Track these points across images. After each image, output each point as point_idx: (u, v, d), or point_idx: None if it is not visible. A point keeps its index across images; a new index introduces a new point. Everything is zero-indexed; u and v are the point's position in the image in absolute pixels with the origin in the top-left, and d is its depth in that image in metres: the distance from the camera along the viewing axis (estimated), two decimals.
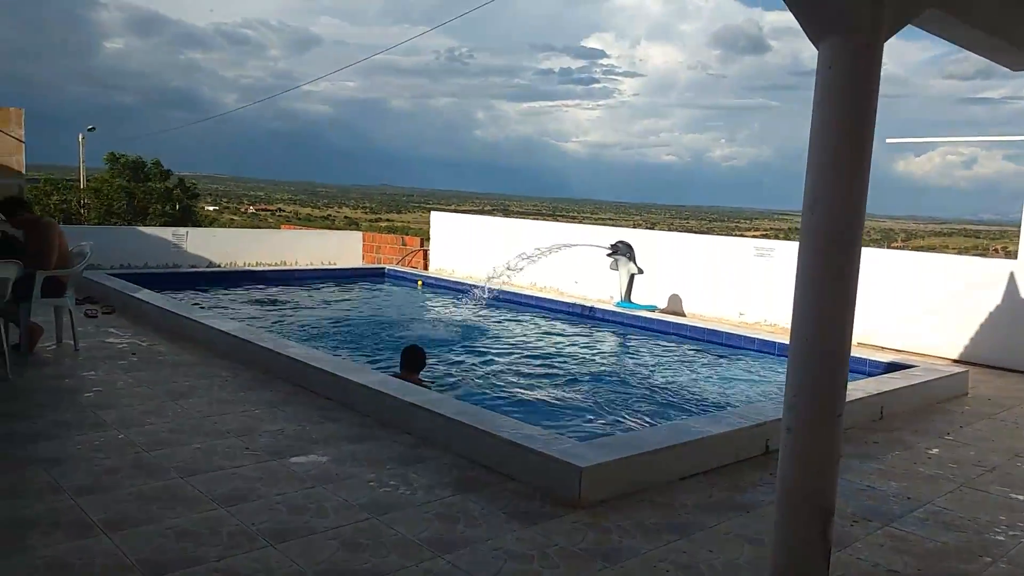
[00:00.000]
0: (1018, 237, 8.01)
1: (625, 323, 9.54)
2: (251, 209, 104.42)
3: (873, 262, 8.53)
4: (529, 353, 8.02)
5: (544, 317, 10.18)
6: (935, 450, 5.20)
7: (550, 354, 8.04)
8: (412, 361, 6.17)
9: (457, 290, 11.62)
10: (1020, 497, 4.40)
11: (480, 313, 10.10)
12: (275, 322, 9.22)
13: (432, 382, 6.44)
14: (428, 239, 15.04)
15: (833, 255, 2.67)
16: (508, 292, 10.82)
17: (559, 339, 8.94)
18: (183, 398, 5.36)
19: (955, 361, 8.05)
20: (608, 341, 9.06)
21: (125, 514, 3.48)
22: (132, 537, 3.26)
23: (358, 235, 15.40)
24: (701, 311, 10.08)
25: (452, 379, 6.76)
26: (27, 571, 2.96)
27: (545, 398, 6.39)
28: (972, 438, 5.53)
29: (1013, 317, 7.91)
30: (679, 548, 3.46)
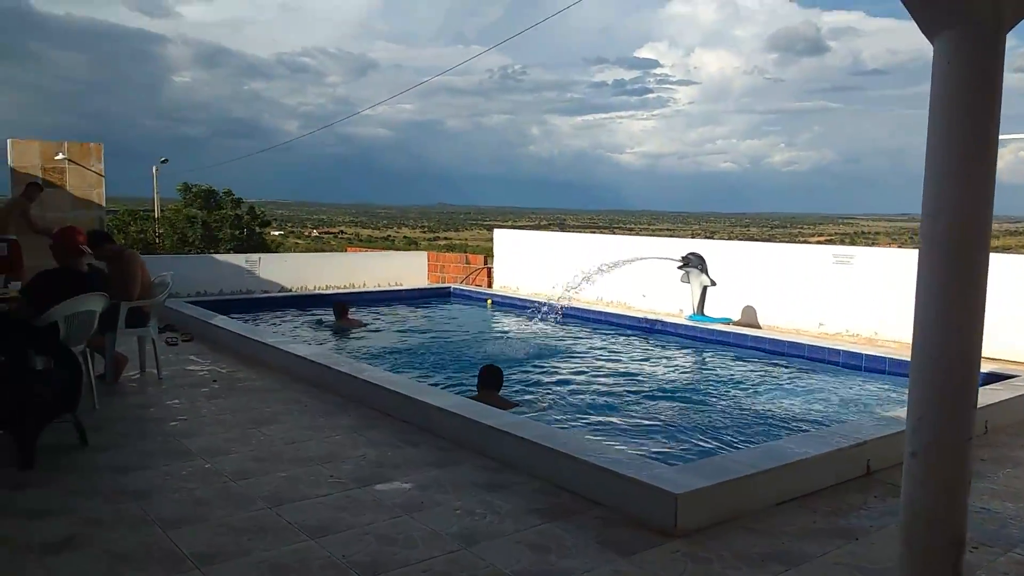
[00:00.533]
0: None
1: (699, 337, 9.29)
2: (314, 232, 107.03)
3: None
4: (603, 370, 7.86)
5: (615, 333, 10.00)
6: None
7: (624, 371, 7.86)
8: (490, 380, 6.09)
9: (525, 307, 11.54)
10: None
11: (550, 330, 9.99)
12: (349, 346, 9.28)
13: (516, 403, 6.35)
14: (491, 256, 15.03)
15: (959, 265, 2.47)
16: (576, 308, 10.68)
17: (632, 355, 8.74)
18: (265, 425, 5.39)
19: None
20: (683, 356, 8.82)
21: (216, 547, 3.46)
22: (224, 572, 3.23)
23: (423, 255, 15.49)
24: (777, 322, 9.75)
25: (528, 398, 6.65)
26: None
27: (623, 417, 6.21)
28: None
29: None
30: None
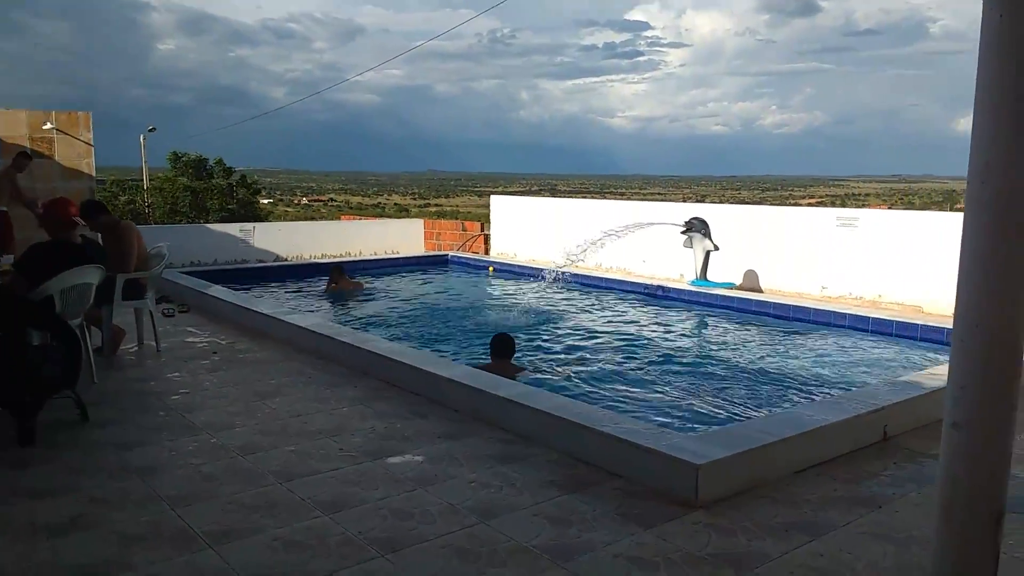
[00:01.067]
0: None
1: (702, 302, 9.21)
2: (304, 200, 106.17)
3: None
4: (610, 337, 7.78)
5: (618, 298, 9.91)
6: None
7: (631, 337, 7.78)
8: (503, 348, 6.01)
9: (526, 274, 11.42)
10: None
11: (554, 297, 9.89)
12: (350, 315, 9.17)
13: (530, 368, 6.29)
14: (487, 223, 14.86)
15: (1006, 230, 2.35)
16: (578, 274, 10.57)
17: (637, 321, 8.66)
18: (269, 398, 5.28)
19: None
20: (688, 322, 8.75)
21: (228, 525, 3.37)
22: (239, 550, 3.14)
23: (419, 223, 15.30)
24: (779, 286, 9.67)
25: (537, 365, 6.56)
26: None
27: (632, 384, 6.14)
28: None
29: None
30: (814, 551, 3.20)
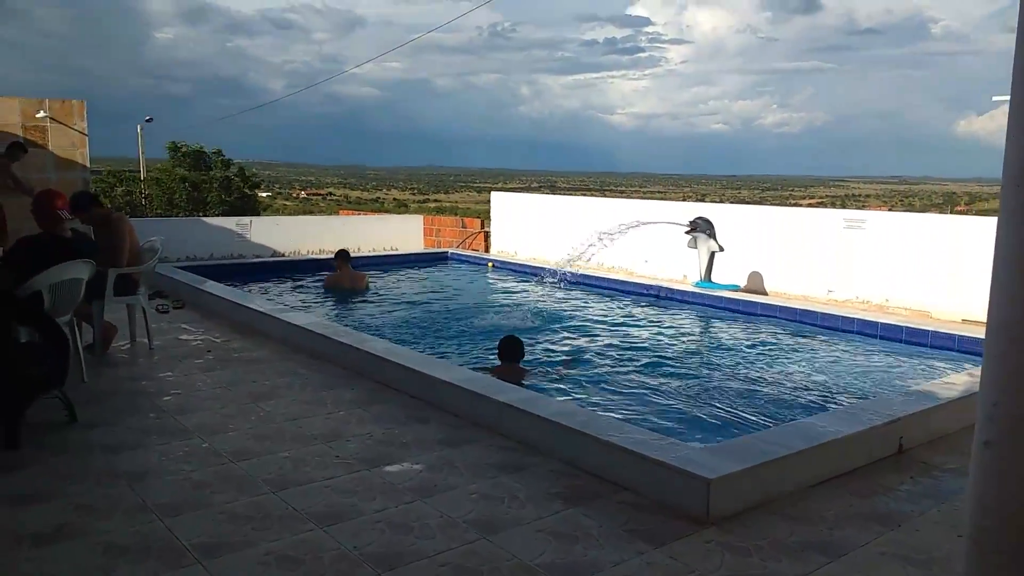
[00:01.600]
0: None
1: (707, 304, 9.06)
2: (302, 194, 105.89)
3: (989, 232, 7.90)
4: (613, 339, 7.62)
5: (622, 300, 9.75)
6: None
7: (634, 340, 7.63)
8: (511, 351, 5.87)
9: (525, 272, 11.27)
10: None
11: (555, 297, 9.74)
12: (350, 314, 9.01)
13: (540, 371, 6.17)
14: (487, 220, 14.69)
15: None
16: (580, 274, 10.41)
17: (641, 323, 8.51)
18: (264, 400, 5.13)
19: None
20: (693, 325, 8.60)
21: (219, 537, 3.22)
22: (229, 566, 2.99)
23: (418, 219, 15.13)
24: (784, 289, 9.52)
25: (541, 368, 6.41)
26: None
27: (636, 388, 6.00)
28: None
29: None
30: (832, 573, 3.05)
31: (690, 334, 8.19)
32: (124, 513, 3.43)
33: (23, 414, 4.27)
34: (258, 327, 7.18)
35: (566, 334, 7.84)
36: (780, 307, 8.35)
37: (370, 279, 10.39)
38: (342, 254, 10.15)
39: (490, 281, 11.78)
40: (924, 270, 8.25)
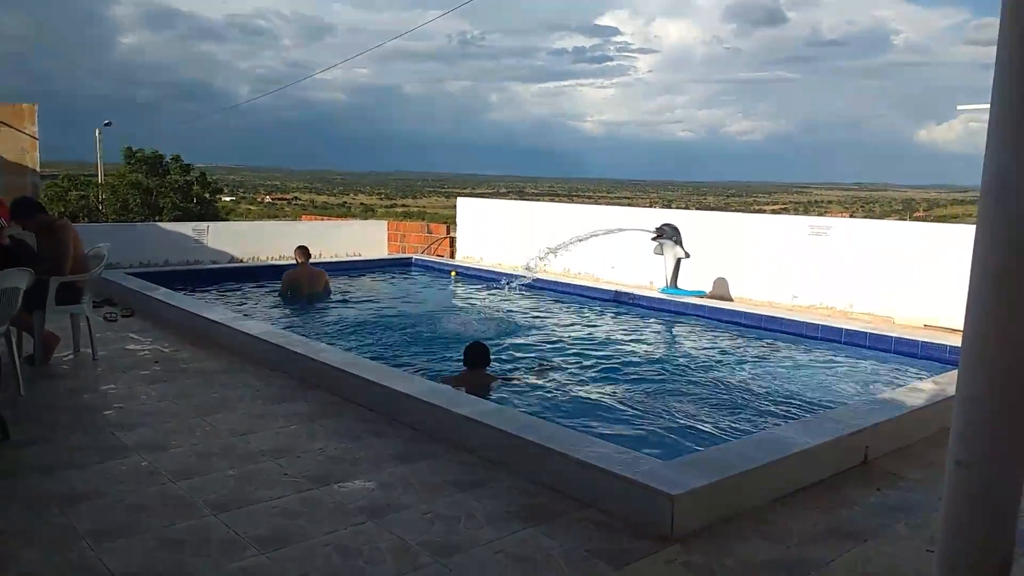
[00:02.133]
0: None
1: (672, 310, 8.98)
2: (267, 199, 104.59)
3: (951, 238, 7.94)
4: (576, 346, 7.48)
5: (585, 306, 9.63)
6: None
7: (599, 347, 7.49)
8: (477, 358, 5.71)
9: (489, 279, 11.10)
10: None
11: (518, 303, 9.58)
12: (308, 322, 8.76)
13: (503, 376, 6.01)
14: (453, 225, 14.51)
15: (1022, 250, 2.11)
16: (544, 280, 10.28)
17: (606, 330, 8.39)
18: (211, 413, 4.89)
19: None
20: (659, 331, 8.50)
21: (150, 566, 3.00)
22: None
23: (382, 224, 14.89)
24: (749, 295, 9.49)
25: (506, 376, 6.25)
26: None
27: (600, 397, 5.87)
28: None
29: None
30: None
31: (655, 340, 8.09)
32: (50, 543, 3.19)
33: None
34: (210, 336, 6.92)
35: (531, 340, 7.69)
36: (745, 313, 8.30)
37: (329, 279, 10.13)
38: (302, 248, 9.90)
39: (453, 288, 11.59)
40: (887, 276, 8.27)
